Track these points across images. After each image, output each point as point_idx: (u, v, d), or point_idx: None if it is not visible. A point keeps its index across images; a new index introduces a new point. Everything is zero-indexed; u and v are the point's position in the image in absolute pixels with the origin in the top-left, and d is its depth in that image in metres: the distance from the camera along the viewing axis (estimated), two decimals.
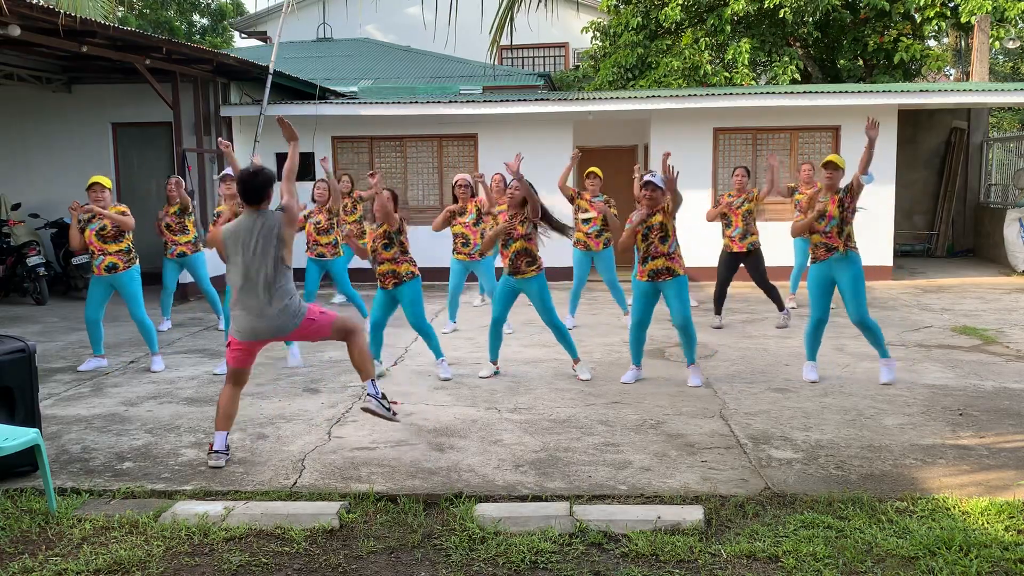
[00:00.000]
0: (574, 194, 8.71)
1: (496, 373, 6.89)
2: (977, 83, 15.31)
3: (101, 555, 3.73)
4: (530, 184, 6.62)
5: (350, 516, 4.12)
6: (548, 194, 10.04)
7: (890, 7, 15.27)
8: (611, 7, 18.15)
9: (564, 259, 9.80)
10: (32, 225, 11.87)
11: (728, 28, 15.92)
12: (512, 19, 5.51)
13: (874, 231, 11.86)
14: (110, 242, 7.06)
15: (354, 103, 13.23)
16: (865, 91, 12.21)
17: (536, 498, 4.32)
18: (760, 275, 8.75)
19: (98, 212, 6.96)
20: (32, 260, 10.86)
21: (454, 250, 8.57)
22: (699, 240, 11.41)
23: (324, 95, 13.64)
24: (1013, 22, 16.59)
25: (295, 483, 4.57)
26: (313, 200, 9.00)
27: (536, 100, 12.64)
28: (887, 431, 5.31)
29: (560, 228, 6.74)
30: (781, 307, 8.92)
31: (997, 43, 18.54)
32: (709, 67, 16.19)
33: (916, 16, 15.85)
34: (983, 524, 3.90)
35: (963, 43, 23.19)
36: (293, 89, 13.27)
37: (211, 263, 9.49)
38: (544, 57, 23.16)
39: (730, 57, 15.95)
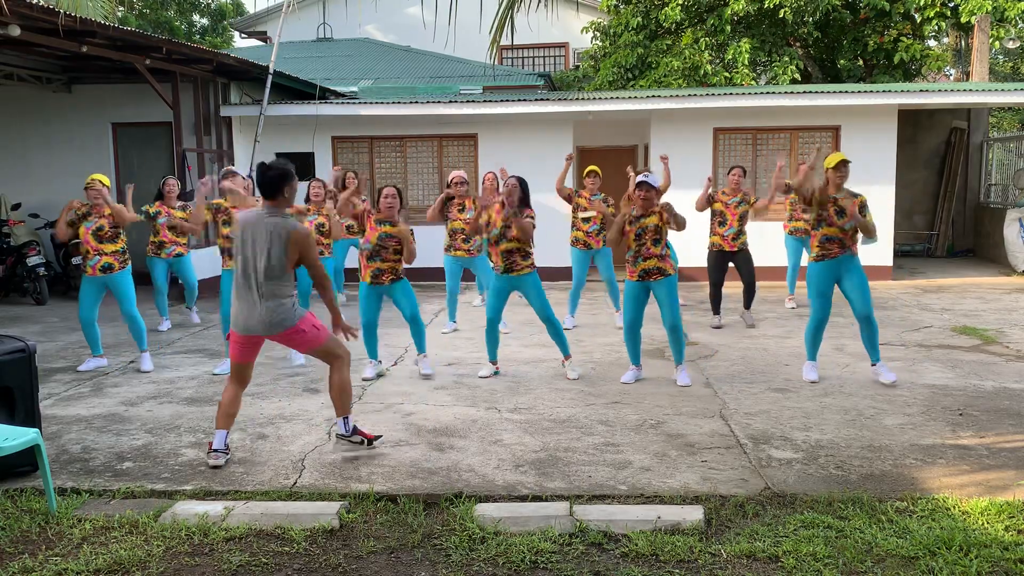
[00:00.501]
0: (571, 193, 8.72)
1: (496, 373, 6.90)
2: (977, 83, 15.31)
3: (101, 555, 3.73)
4: (525, 183, 6.69)
5: (350, 516, 4.11)
6: (548, 193, 10.09)
7: (890, 7, 15.27)
8: (611, 7, 18.15)
9: (563, 259, 9.82)
10: (32, 225, 11.87)
11: (728, 28, 15.93)
12: (512, 19, 5.51)
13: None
14: (106, 242, 7.07)
15: (354, 103, 13.24)
16: (865, 91, 12.21)
17: (536, 498, 4.32)
18: (751, 272, 8.80)
19: (105, 201, 7.02)
20: (32, 260, 10.85)
21: (450, 247, 8.55)
22: (699, 241, 11.39)
23: (324, 95, 13.64)
24: (1013, 22, 16.59)
25: (295, 483, 4.56)
26: (307, 200, 9.01)
27: (536, 100, 12.64)
28: (887, 431, 5.31)
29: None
30: (748, 306, 8.97)
31: (997, 43, 18.55)
32: (709, 67, 16.19)
33: (916, 16, 15.85)
34: (983, 524, 3.90)
35: (963, 43, 23.19)
36: (293, 89, 13.28)
37: (199, 266, 9.67)
38: (544, 57, 23.16)
39: (730, 57, 15.95)
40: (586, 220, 8.63)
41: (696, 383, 6.53)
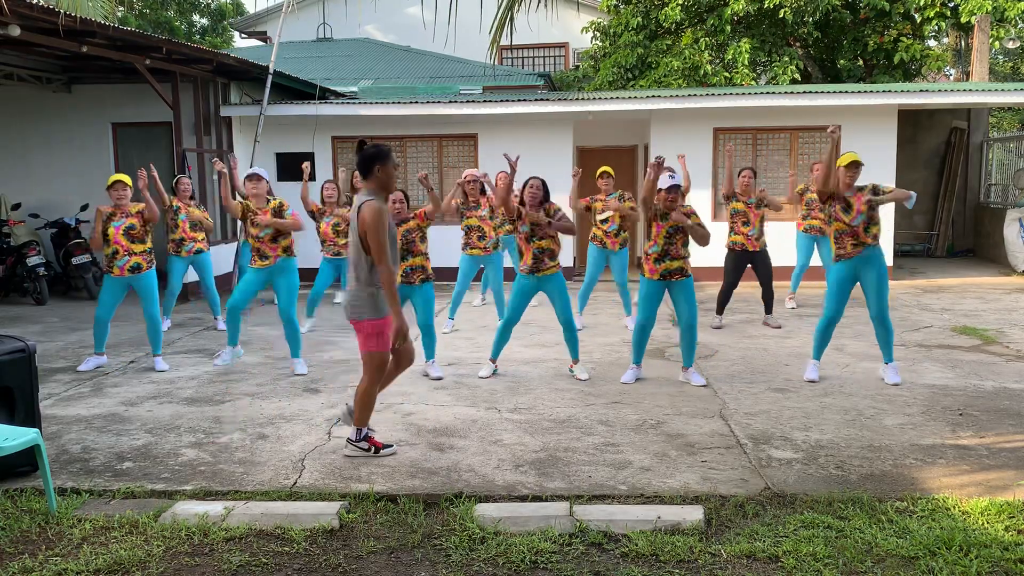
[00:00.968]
0: (588, 203, 8.67)
1: (495, 372, 6.89)
2: (977, 83, 15.31)
3: (101, 555, 3.73)
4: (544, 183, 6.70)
5: (350, 516, 4.12)
6: (555, 192, 10.07)
7: (890, 7, 15.28)
8: (611, 7, 18.15)
9: (565, 259, 9.78)
10: (32, 225, 11.87)
11: (728, 28, 15.93)
12: (512, 19, 5.51)
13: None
14: (137, 242, 7.05)
15: (354, 103, 13.24)
16: (865, 91, 12.21)
17: (536, 498, 4.32)
18: (769, 274, 8.77)
19: (147, 205, 7.03)
20: (32, 260, 10.85)
21: (467, 245, 8.53)
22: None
23: (324, 95, 13.64)
24: (1013, 22, 16.60)
25: (295, 483, 4.57)
26: (322, 201, 9.02)
27: (536, 100, 12.64)
28: (887, 431, 5.31)
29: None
30: (770, 311, 8.95)
31: (997, 43, 18.55)
32: (709, 67, 16.19)
33: (916, 16, 15.86)
34: (983, 524, 3.90)
35: (963, 43, 23.20)
36: (293, 89, 13.28)
37: (217, 266, 9.61)
38: (544, 57, 23.16)
39: (730, 57, 15.95)
40: (604, 221, 8.63)
41: (696, 383, 6.52)
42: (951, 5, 15.61)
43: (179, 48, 10.49)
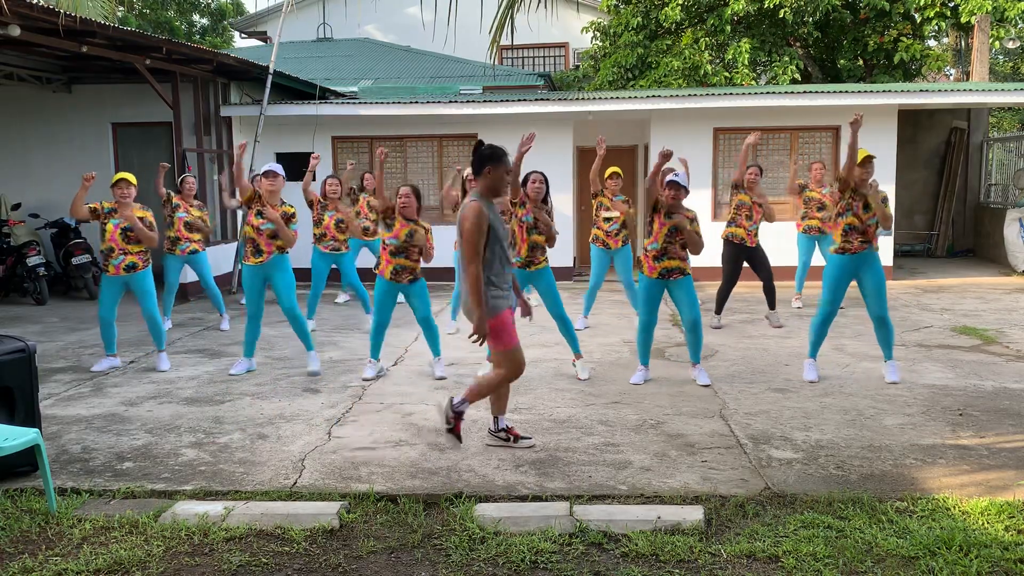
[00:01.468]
0: (599, 190, 8.67)
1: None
2: (977, 83, 15.31)
3: (101, 555, 3.73)
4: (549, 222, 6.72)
5: (350, 516, 4.11)
6: (555, 192, 10.09)
7: (890, 7, 15.28)
8: (611, 7, 18.15)
9: (565, 259, 9.78)
10: (32, 225, 11.87)
11: (728, 28, 15.93)
12: (512, 19, 5.51)
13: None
14: (133, 243, 7.04)
15: (354, 103, 13.24)
16: (865, 91, 12.21)
17: (536, 498, 4.32)
18: (769, 270, 8.77)
19: (136, 226, 6.94)
20: (32, 260, 10.85)
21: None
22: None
23: (324, 95, 13.64)
24: (1013, 22, 16.60)
25: (295, 483, 4.56)
26: (324, 196, 9.01)
27: (536, 100, 12.64)
28: (887, 431, 5.31)
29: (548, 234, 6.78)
30: (773, 307, 8.93)
31: (997, 43, 18.55)
32: (709, 67, 16.19)
33: (916, 16, 15.86)
34: (983, 524, 3.90)
35: (963, 43, 23.20)
36: (293, 89, 13.28)
37: (216, 266, 9.56)
38: (544, 57, 23.16)
39: (730, 57, 15.95)
40: (608, 220, 8.63)
41: (696, 383, 6.52)
42: (951, 5, 15.61)
43: (179, 48, 10.49)
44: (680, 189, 6.30)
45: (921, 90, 12.59)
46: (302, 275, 10.34)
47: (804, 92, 12.43)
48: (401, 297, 6.84)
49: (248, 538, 3.91)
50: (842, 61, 17.61)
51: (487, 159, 4.66)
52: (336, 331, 8.94)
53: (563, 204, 9.40)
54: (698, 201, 11.98)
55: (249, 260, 6.92)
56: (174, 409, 6.04)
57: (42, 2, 8.21)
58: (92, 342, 8.29)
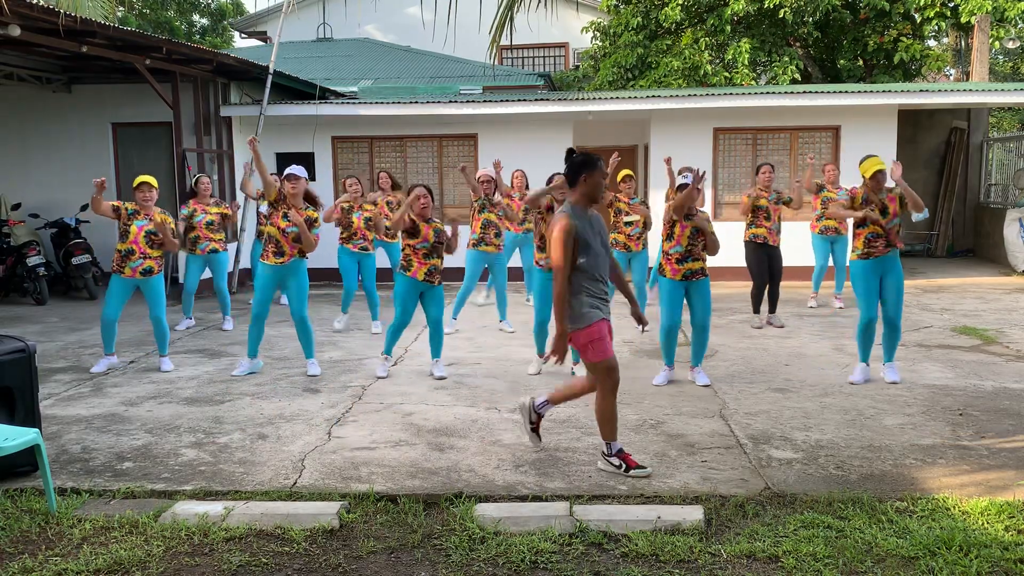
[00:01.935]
0: (612, 199, 8.68)
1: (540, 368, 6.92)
2: (977, 83, 15.31)
3: (101, 555, 3.73)
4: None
5: (350, 516, 4.11)
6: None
7: (890, 7, 15.27)
8: (611, 7, 18.15)
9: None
10: (32, 225, 11.87)
11: (728, 28, 15.92)
12: (512, 19, 5.51)
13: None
14: (156, 247, 7.03)
15: (354, 103, 13.24)
16: (865, 91, 12.21)
17: (536, 498, 4.32)
18: (780, 273, 8.79)
19: (165, 232, 6.95)
20: (32, 260, 10.85)
21: (480, 242, 8.49)
22: None
23: (324, 95, 13.64)
24: (1013, 22, 16.59)
25: (295, 483, 4.56)
26: (344, 193, 9.00)
27: (536, 100, 12.64)
28: (887, 431, 5.31)
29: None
30: (774, 310, 8.95)
31: (997, 43, 18.55)
32: (709, 67, 16.19)
33: (916, 16, 15.85)
34: (983, 524, 3.90)
35: (963, 43, 23.19)
36: (293, 89, 13.28)
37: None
38: (544, 57, 23.16)
39: (730, 57, 15.95)
40: (629, 223, 8.63)
41: (696, 383, 6.52)
42: (951, 5, 15.60)
43: (179, 48, 10.49)
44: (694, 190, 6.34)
45: (921, 90, 12.59)
46: (326, 276, 10.36)
47: (804, 92, 12.43)
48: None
49: (248, 538, 3.91)
50: (842, 61, 17.61)
51: (583, 166, 4.52)
52: (336, 331, 8.94)
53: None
54: (699, 201, 11.96)
55: (269, 259, 6.85)
56: (174, 409, 6.04)
57: (42, 2, 8.21)
58: (92, 342, 8.28)
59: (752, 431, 5.35)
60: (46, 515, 4.17)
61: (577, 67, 21.49)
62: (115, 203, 7.04)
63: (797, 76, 15.84)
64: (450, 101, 12.75)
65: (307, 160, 12.90)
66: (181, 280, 9.34)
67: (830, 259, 9.77)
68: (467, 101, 12.74)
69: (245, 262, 11.82)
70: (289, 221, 6.76)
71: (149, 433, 5.48)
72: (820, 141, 12.47)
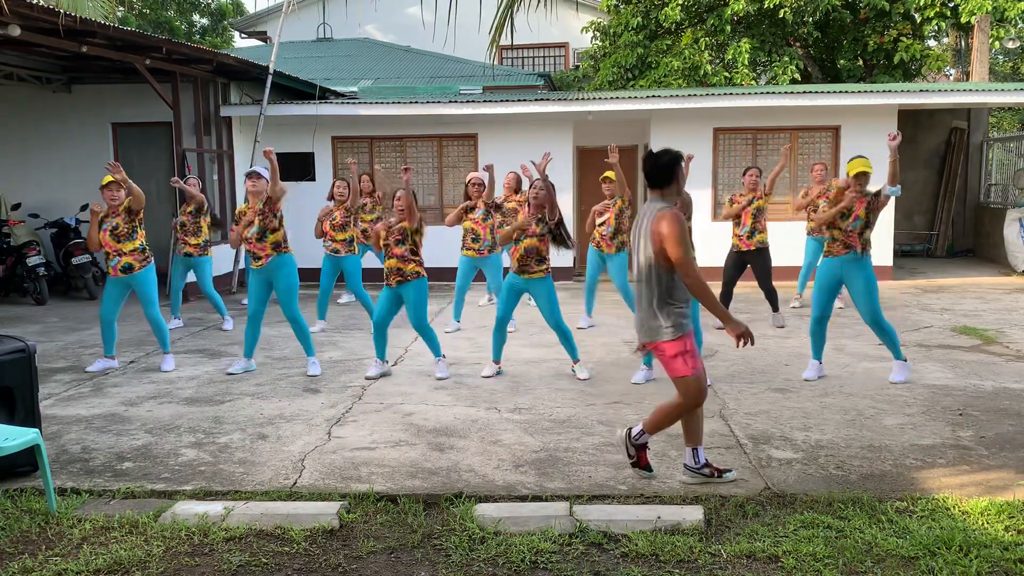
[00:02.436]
0: (592, 219, 8.73)
1: (499, 373, 6.89)
2: (977, 83, 15.31)
3: (101, 555, 3.73)
4: (552, 185, 6.68)
5: (350, 516, 4.11)
6: (559, 192, 10.08)
7: (890, 7, 15.27)
8: (611, 7, 18.15)
9: (564, 259, 9.77)
10: (32, 225, 11.87)
11: (728, 28, 15.92)
12: (512, 19, 5.51)
13: (874, 231, 11.85)
14: (124, 241, 7.01)
15: (354, 103, 13.24)
16: (865, 91, 12.21)
17: (536, 498, 4.32)
18: (766, 274, 8.74)
19: (121, 203, 6.96)
20: (32, 260, 10.85)
21: (463, 246, 8.57)
22: (702, 240, 11.40)
23: (324, 95, 13.64)
24: (1013, 22, 16.59)
25: (295, 483, 4.56)
26: (332, 199, 9.01)
27: (536, 100, 12.64)
28: (887, 431, 5.31)
29: (564, 241, 6.68)
30: (776, 308, 8.93)
31: (997, 43, 18.54)
32: (709, 67, 16.18)
33: (916, 16, 15.85)
34: (983, 524, 3.90)
35: (963, 43, 23.19)
36: (293, 89, 13.28)
37: (215, 266, 9.57)
38: (544, 57, 23.15)
39: (730, 57, 15.95)
40: (601, 224, 8.62)
41: None
42: (951, 5, 15.60)
43: (179, 48, 10.49)
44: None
45: (921, 90, 12.60)
46: (311, 275, 10.37)
47: (804, 92, 12.43)
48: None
49: (248, 538, 3.91)
50: (842, 61, 17.61)
51: (675, 163, 4.32)
52: (337, 331, 8.94)
53: (564, 204, 9.39)
54: (699, 201, 11.96)
55: (252, 264, 6.96)
56: (174, 409, 6.04)
57: (42, 2, 8.20)
58: (92, 342, 8.29)
59: (752, 431, 5.35)
60: (46, 515, 4.17)
61: (577, 67, 21.48)
62: (101, 221, 7.05)
63: (797, 76, 15.84)
64: (450, 101, 12.75)
65: (307, 160, 12.91)
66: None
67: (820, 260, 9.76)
68: (467, 101, 12.74)
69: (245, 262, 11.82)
70: (246, 227, 6.84)
71: (149, 433, 5.48)
72: (820, 141, 12.47)
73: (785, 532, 3.87)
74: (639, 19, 17.06)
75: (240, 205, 7.21)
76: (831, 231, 6.39)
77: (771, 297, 8.89)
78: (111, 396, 6.43)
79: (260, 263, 6.88)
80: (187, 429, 5.55)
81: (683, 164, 4.40)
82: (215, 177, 12.09)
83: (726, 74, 16.20)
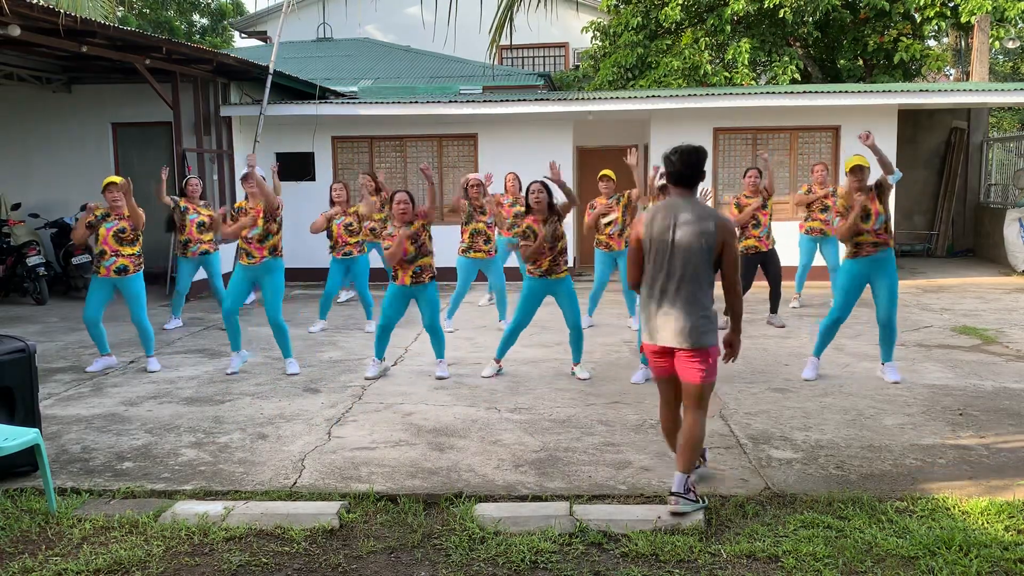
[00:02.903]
0: (591, 214, 8.72)
1: (499, 372, 6.90)
2: (977, 83, 15.31)
3: (101, 555, 3.73)
4: (548, 187, 6.74)
5: (350, 516, 4.11)
6: (555, 192, 10.07)
7: (890, 7, 15.27)
8: (611, 7, 18.15)
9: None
10: (32, 225, 11.87)
11: (728, 28, 15.92)
12: (512, 19, 5.52)
13: None
14: (126, 245, 7.03)
15: (354, 103, 13.23)
16: (865, 91, 12.20)
17: (536, 498, 4.32)
18: (778, 273, 8.79)
19: (127, 203, 6.98)
20: (32, 260, 10.85)
21: (469, 248, 8.53)
22: None
23: (324, 95, 13.64)
24: (1013, 22, 16.59)
25: (295, 483, 4.56)
26: (332, 203, 9.01)
27: (536, 100, 12.64)
28: (887, 431, 5.31)
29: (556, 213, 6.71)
30: (776, 310, 8.95)
31: (997, 43, 18.55)
32: (709, 67, 16.18)
33: (916, 16, 15.85)
34: (983, 524, 3.90)
35: (963, 43, 23.19)
36: (293, 89, 13.27)
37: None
38: (544, 57, 23.15)
39: (730, 57, 15.94)
40: (608, 224, 8.63)
41: None
42: (951, 5, 15.60)
43: (179, 48, 10.49)
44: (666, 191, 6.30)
45: (921, 90, 12.59)
46: (319, 275, 10.35)
47: (804, 92, 12.42)
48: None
49: (248, 538, 3.91)
50: (842, 61, 17.61)
51: (705, 159, 4.29)
52: (336, 331, 8.94)
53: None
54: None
55: (242, 259, 7.03)
56: (174, 409, 6.04)
57: (42, 2, 8.20)
58: (92, 342, 8.28)
59: (752, 431, 5.35)
60: (46, 515, 4.18)
61: (577, 67, 21.48)
62: (89, 218, 7.06)
63: (797, 76, 15.84)
64: (450, 101, 12.75)
65: (307, 160, 12.91)
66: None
67: (815, 259, 9.78)
68: (467, 101, 12.74)
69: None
70: (247, 228, 6.93)
71: (149, 433, 5.48)
72: (820, 141, 12.47)
73: (785, 532, 3.87)
74: (639, 19, 17.06)
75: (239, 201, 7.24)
76: (857, 237, 6.34)
77: (777, 299, 8.91)
78: (111, 396, 6.43)
79: (253, 261, 6.96)
80: (187, 429, 5.55)
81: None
82: (215, 177, 12.09)
83: (726, 74, 16.20)
